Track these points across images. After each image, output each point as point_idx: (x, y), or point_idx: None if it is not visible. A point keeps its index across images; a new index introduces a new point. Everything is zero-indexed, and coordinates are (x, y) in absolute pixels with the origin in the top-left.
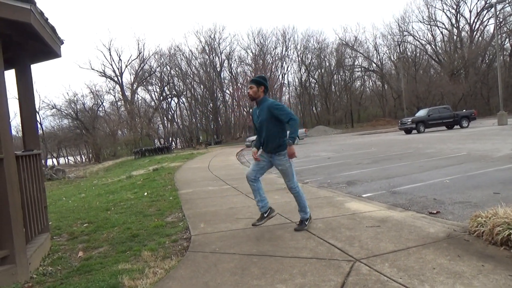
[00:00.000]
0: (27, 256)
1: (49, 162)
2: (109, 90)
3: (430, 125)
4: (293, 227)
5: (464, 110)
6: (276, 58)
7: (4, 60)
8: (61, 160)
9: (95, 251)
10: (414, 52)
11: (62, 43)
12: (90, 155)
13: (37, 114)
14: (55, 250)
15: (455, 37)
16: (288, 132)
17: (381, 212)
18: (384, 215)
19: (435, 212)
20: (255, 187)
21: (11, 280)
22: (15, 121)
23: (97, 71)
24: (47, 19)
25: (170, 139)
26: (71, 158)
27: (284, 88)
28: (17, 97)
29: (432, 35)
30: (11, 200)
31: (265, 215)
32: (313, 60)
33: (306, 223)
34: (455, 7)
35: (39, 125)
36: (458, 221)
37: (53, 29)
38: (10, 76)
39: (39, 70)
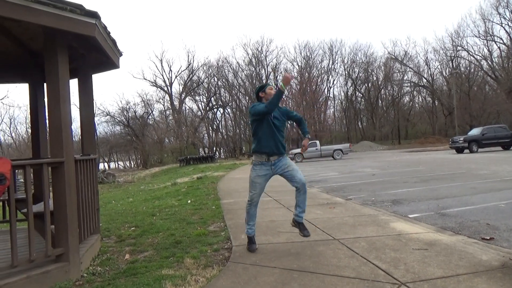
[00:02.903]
0: (80, 255)
1: (101, 166)
2: (159, 99)
3: (484, 144)
4: (335, 244)
5: None
6: (322, 71)
7: (69, 70)
8: (112, 165)
9: (140, 255)
10: (468, 68)
11: (121, 55)
12: (139, 161)
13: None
14: (104, 251)
15: None
16: (302, 128)
17: (429, 234)
18: (432, 238)
19: (488, 238)
20: (255, 212)
21: (64, 277)
22: (73, 126)
23: (149, 81)
24: (109, 32)
25: (214, 148)
26: (121, 163)
27: (329, 102)
28: (78, 105)
29: (488, 50)
30: (68, 201)
31: (255, 240)
32: (360, 74)
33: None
34: None
35: None
36: None
37: (114, 42)
38: (72, 84)
39: (96, 79)
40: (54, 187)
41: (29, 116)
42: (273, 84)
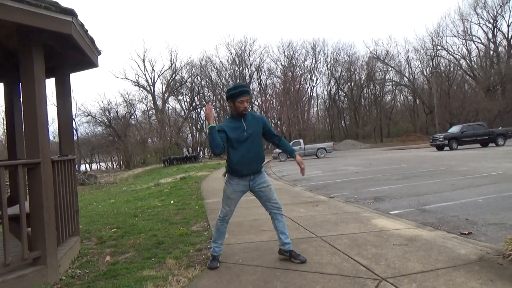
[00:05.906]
0: (58, 258)
1: (82, 167)
2: (141, 99)
3: (463, 142)
4: (318, 242)
5: (500, 128)
6: (306, 70)
7: (46, 69)
8: (94, 166)
9: (121, 256)
10: (448, 67)
11: (100, 53)
12: (121, 162)
13: (73, 121)
14: (84, 254)
15: (491, 52)
16: (286, 148)
17: (410, 230)
18: (413, 234)
19: (466, 232)
20: (225, 229)
21: (41, 280)
22: (52, 127)
23: (131, 80)
24: (86, 30)
25: (198, 148)
26: (103, 164)
27: (312, 101)
28: (56, 104)
29: (467, 49)
30: (45, 203)
31: (219, 259)
32: (343, 73)
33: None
34: (492, 21)
35: (74, 132)
36: (492, 244)
37: (92, 40)
38: (50, 84)
39: (76, 79)
40: (30, 189)
41: (5, 116)
42: (257, 84)
